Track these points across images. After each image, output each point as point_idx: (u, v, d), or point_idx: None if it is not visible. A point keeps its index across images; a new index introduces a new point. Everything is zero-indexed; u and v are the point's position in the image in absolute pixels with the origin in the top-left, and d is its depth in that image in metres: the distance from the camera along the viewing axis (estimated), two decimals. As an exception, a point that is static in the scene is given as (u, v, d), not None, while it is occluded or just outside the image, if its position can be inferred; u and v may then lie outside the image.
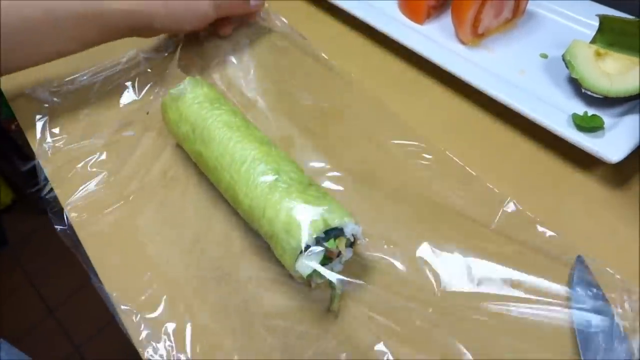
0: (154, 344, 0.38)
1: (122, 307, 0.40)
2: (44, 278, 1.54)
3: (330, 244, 0.37)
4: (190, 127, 0.45)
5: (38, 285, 1.53)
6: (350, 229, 0.38)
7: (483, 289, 0.38)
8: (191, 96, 0.47)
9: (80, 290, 1.49)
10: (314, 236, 0.37)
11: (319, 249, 0.38)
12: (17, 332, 1.42)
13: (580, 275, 0.38)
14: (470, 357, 0.35)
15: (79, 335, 1.40)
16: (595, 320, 0.36)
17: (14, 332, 1.41)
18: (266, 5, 0.62)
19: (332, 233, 0.38)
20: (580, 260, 0.39)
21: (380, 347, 0.36)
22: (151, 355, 0.37)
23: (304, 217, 0.37)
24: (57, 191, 0.49)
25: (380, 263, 0.41)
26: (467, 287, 0.39)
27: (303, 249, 0.36)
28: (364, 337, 0.37)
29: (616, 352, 0.34)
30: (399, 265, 0.40)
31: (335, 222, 0.37)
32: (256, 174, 0.40)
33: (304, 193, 0.39)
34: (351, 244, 0.39)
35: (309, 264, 0.37)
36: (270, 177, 0.40)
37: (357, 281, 0.39)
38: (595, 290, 0.37)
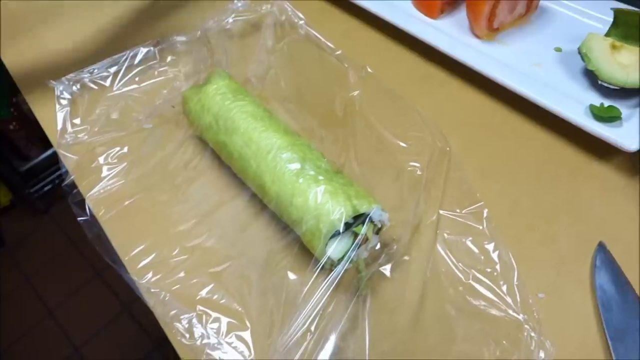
0: (183, 324, 0.39)
1: (152, 290, 0.40)
2: (42, 279, 1.53)
3: (359, 230, 0.38)
4: (214, 118, 0.46)
5: (36, 286, 1.52)
6: (377, 215, 0.39)
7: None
8: (213, 87, 0.47)
9: (79, 290, 1.48)
10: (344, 222, 0.37)
11: (349, 234, 0.38)
12: (15, 333, 1.41)
13: (602, 259, 0.39)
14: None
15: (79, 336, 1.39)
16: (617, 299, 0.37)
17: (12, 333, 1.41)
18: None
19: (359, 220, 0.39)
20: (601, 245, 0.40)
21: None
22: (179, 335, 0.38)
23: (334, 204, 0.38)
24: (78, 182, 0.50)
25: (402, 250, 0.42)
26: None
27: (335, 234, 0.37)
28: (390, 320, 0.38)
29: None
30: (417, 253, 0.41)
31: (363, 209, 0.38)
32: (283, 162, 0.41)
33: (331, 180, 0.40)
34: (377, 231, 0.40)
35: (339, 248, 0.38)
36: (297, 165, 0.41)
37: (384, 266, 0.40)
38: (617, 273, 0.38)
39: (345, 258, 0.38)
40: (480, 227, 0.42)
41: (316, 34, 0.60)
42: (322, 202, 0.38)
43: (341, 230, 0.37)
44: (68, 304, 1.47)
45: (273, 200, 0.41)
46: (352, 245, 0.38)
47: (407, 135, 0.49)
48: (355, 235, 0.38)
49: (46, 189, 1.67)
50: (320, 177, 0.40)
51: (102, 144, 0.52)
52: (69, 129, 0.54)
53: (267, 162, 0.42)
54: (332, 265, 0.39)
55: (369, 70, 0.56)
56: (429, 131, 0.49)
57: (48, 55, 0.64)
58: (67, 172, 0.51)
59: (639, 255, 0.40)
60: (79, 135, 0.53)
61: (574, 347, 0.36)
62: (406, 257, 0.41)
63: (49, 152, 1.63)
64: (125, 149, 0.52)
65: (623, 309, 0.36)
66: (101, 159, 0.51)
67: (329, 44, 0.59)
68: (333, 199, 0.38)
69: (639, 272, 0.38)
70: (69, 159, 0.51)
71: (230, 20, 0.63)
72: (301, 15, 0.62)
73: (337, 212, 0.37)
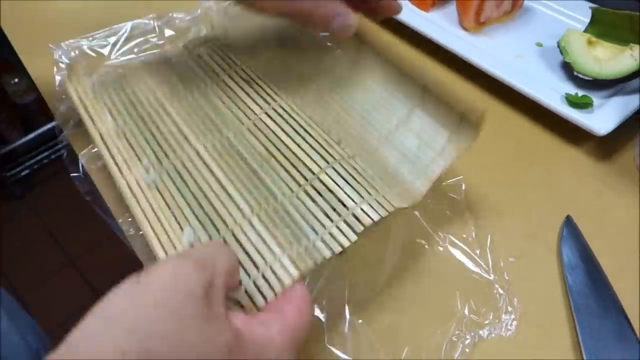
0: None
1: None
2: (14, 265, 1.51)
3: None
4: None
5: (7, 273, 1.49)
6: None
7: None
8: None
9: (51, 278, 1.47)
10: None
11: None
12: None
13: (569, 231, 0.42)
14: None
15: (48, 324, 1.37)
16: (581, 266, 0.40)
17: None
18: None
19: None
20: (569, 218, 0.43)
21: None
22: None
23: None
24: (71, 141, 0.51)
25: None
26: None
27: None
28: (370, 274, 0.40)
29: (601, 298, 0.38)
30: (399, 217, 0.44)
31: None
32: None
33: None
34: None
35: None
36: None
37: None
38: (582, 243, 0.41)
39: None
40: (459, 198, 0.45)
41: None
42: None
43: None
44: (39, 291, 1.45)
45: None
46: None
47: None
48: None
49: (24, 173, 1.65)
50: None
51: (98, 106, 0.53)
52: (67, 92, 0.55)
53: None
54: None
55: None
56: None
57: (46, 23, 0.66)
58: (60, 129, 0.52)
59: (601, 228, 0.43)
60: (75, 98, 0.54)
61: (539, 304, 0.38)
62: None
63: (30, 136, 1.62)
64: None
65: (585, 273, 0.39)
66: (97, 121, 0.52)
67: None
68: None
69: (601, 242, 0.41)
70: (64, 119, 0.53)
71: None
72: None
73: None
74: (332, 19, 0.39)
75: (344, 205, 0.36)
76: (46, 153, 1.67)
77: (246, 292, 0.33)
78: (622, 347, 0.35)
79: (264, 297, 0.32)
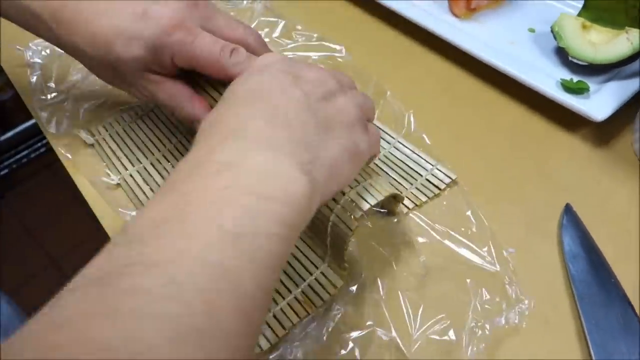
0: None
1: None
2: (0, 266, 1.48)
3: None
4: None
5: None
6: None
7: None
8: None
9: (38, 276, 1.44)
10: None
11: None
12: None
13: (569, 219, 0.41)
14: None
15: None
16: (583, 255, 0.39)
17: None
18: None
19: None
20: (568, 207, 0.42)
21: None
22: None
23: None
24: (52, 142, 0.49)
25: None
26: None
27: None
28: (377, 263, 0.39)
29: (605, 286, 0.37)
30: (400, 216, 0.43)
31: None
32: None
33: None
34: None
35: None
36: None
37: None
38: (582, 231, 0.40)
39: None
40: (455, 190, 0.44)
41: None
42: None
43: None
44: (21, 292, 1.42)
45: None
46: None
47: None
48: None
49: (3, 172, 1.61)
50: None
51: (78, 100, 0.52)
52: (45, 93, 0.53)
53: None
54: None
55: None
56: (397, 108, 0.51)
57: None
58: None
59: (602, 215, 0.42)
60: (56, 99, 0.52)
61: (542, 294, 0.37)
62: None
63: (9, 134, 1.58)
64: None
65: (587, 262, 0.39)
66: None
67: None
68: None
69: (602, 229, 0.41)
70: (47, 120, 0.51)
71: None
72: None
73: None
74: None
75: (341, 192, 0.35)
76: (26, 152, 1.63)
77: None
78: (628, 335, 0.35)
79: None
